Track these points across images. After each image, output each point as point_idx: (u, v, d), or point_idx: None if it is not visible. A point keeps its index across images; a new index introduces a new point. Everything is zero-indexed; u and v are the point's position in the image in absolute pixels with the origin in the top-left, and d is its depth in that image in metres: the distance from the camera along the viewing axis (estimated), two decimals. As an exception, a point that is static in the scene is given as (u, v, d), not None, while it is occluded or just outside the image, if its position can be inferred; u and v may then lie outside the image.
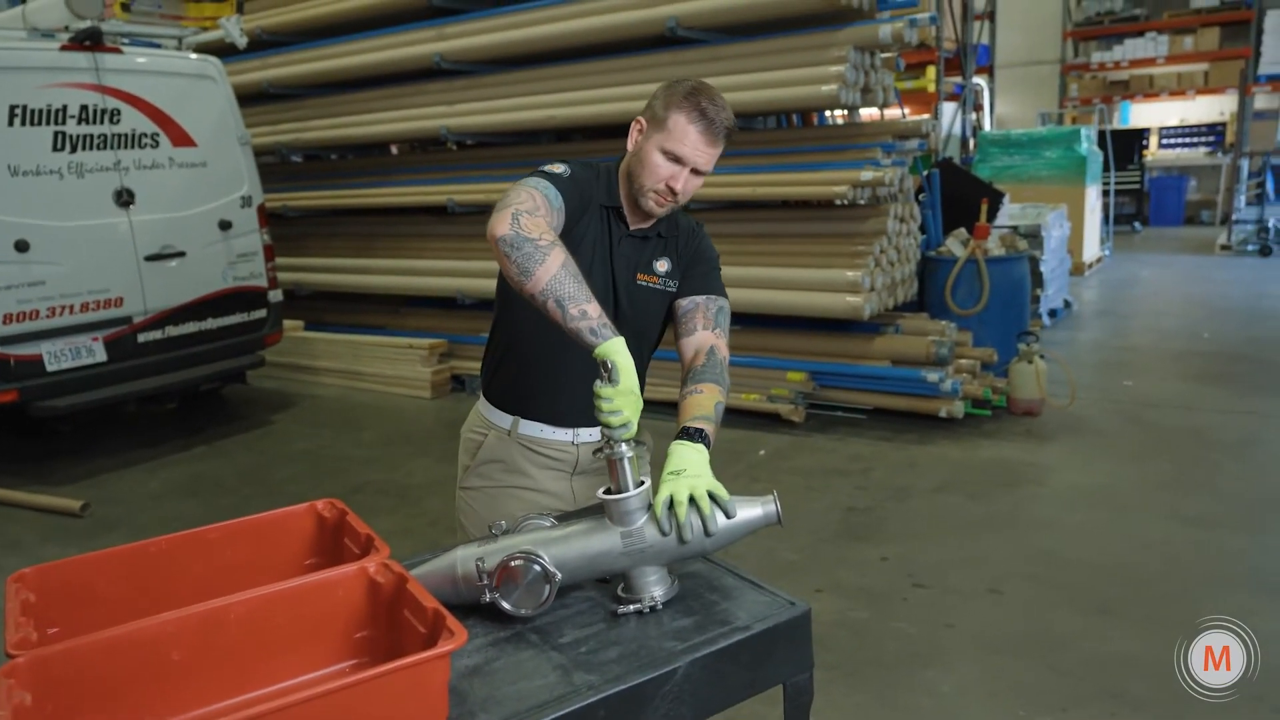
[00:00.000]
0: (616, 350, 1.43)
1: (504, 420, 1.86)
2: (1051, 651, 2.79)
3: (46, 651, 1.13)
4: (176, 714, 1.19)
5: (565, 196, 1.64)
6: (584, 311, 1.44)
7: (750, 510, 1.45)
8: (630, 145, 1.72)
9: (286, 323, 6.05)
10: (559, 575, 1.40)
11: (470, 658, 1.33)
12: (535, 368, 1.83)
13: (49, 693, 1.10)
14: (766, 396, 5.03)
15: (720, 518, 1.42)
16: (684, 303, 1.82)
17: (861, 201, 4.73)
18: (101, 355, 4.87)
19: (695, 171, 1.67)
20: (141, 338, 5.03)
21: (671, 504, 1.42)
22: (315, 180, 7.34)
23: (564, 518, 1.60)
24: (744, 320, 5.20)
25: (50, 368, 4.67)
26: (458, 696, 1.22)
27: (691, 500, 1.43)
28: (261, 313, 5.63)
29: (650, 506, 1.44)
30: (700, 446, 1.53)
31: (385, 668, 1.05)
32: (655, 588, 1.45)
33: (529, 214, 1.50)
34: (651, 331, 1.86)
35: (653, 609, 1.44)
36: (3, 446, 5.26)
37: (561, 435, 1.85)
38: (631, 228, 1.78)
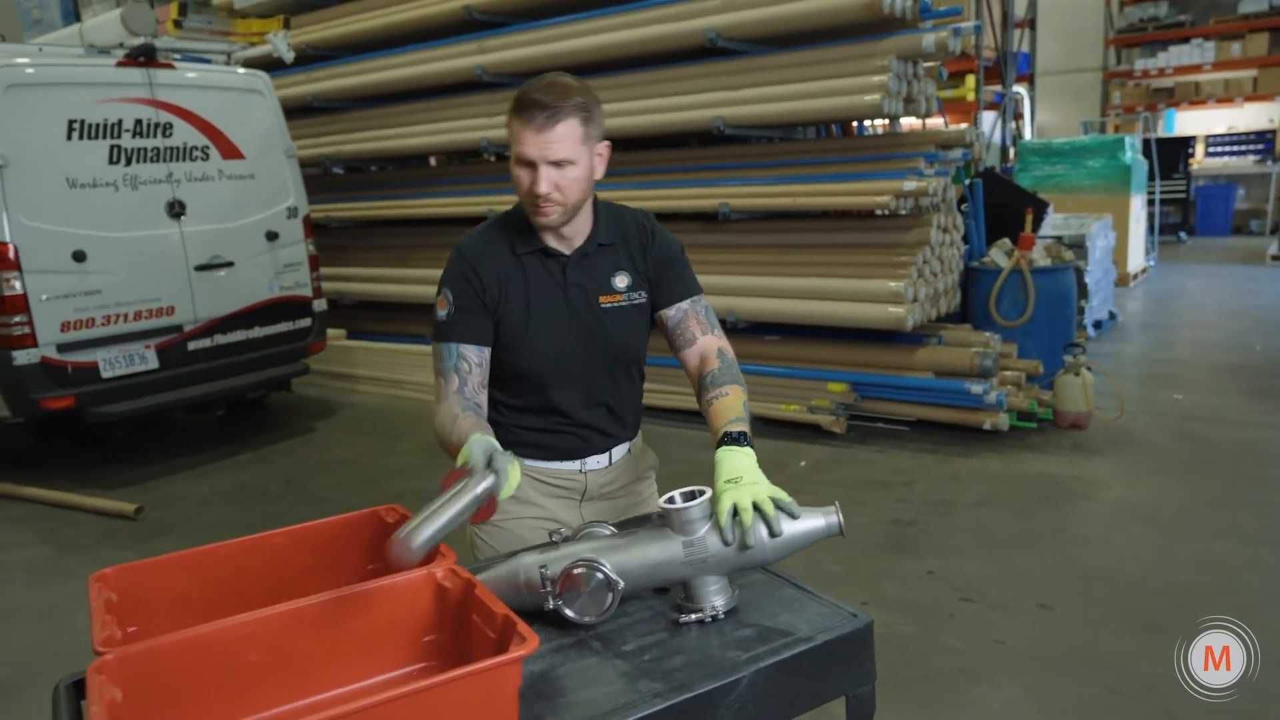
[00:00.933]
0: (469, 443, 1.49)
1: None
2: (1105, 670, 2.74)
3: (132, 649, 1.16)
4: (253, 713, 1.22)
5: (461, 332, 1.68)
6: (459, 438, 1.53)
7: (813, 521, 1.45)
8: None
9: (329, 331, 6.14)
10: (621, 583, 1.41)
11: (535, 664, 1.34)
12: (532, 420, 1.80)
13: (135, 689, 1.13)
14: (807, 407, 5.01)
15: (785, 522, 1.42)
16: (670, 313, 1.79)
17: (903, 212, 4.71)
18: (153, 363, 4.98)
19: (556, 165, 1.59)
20: (191, 346, 5.14)
21: (735, 512, 1.43)
22: (357, 192, 7.45)
23: (623, 526, 1.61)
24: (784, 331, 5.19)
25: (105, 374, 4.79)
26: (525, 702, 1.23)
27: (754, 507, 1.43)
28: (306, 321, 5.72)
29: (712, 516, 1.45)
30: (747, 449, 1.54)
31: (463, 670, 1.07)
32: (716, 597, 1.45)
33: (438, 402, 1.68)
34: (634, 348, 1.82)
35: (714, 618, 1.44)
36: (58, 451, 5.39)
37: (569, 466, 1.84)
38: (569, 253, 1.72)
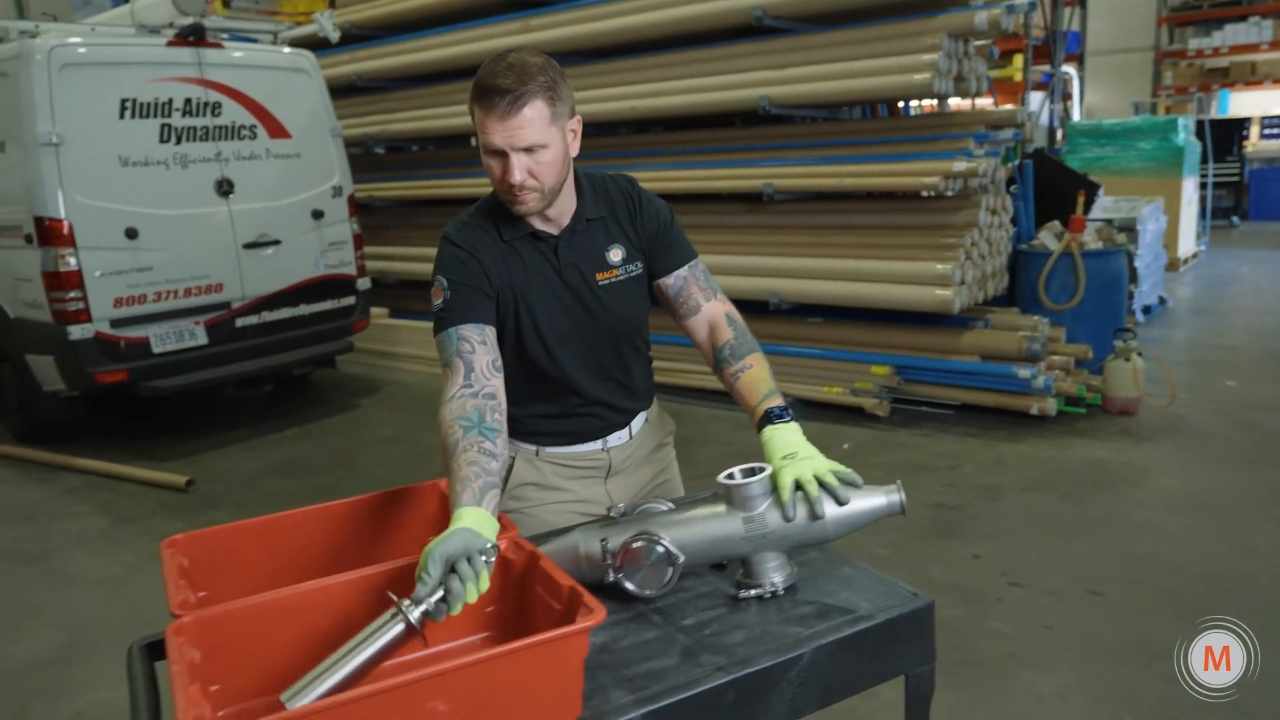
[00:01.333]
0: (456, 520, 1.27)
1: (528, 447, 1.78)
2: (1158, 658, 2.70)
3: (209, 613, 1.18)
4: (323, 679, 1.24)
5: (461, 316, 1.56)
6: (453, 492, 1.34)
7: (874, 499, 1.44)
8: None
9: (372, 310, 6.20)
10: (682, 557, 1.41)
11: (596, 635, 1.34)
12: (546, 408, 1.75)
13: (212, 651, 1.15)
14: (850, 390, 4.97)
15: (849, 493, 1.41)
16: (670, 281, 1.72)
17: (949, 193, 4.63)
18: (203, 339, 5.06)
19: (527, 151, 1.49)
20: (239, 322, 5.22)
21: (798, 486, 1.42)
22: (399, 171, 7.50)
23: (680, 503, 1.61)
24: (827, 312, 5.15)
25: (156, 350, 4.88)
26: (589, 672, 1.24)
27: (816, 480, 1.42)
28: (351, 300, 5.78)
29: (773, 492, 1.44)
30: (793, 425, 1.52)
31: (536, 639, 1.08)
32: (775, 574, 1.45)
33: (443, 403, 1.50)
34: (636, 321, 1.76)
35: (773, 595, 1.44)
36: (111, 425, 5.50)
37: (592, 447, 1.79)
38: (557, 233, 1.64)
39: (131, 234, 4.73)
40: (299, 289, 5.47)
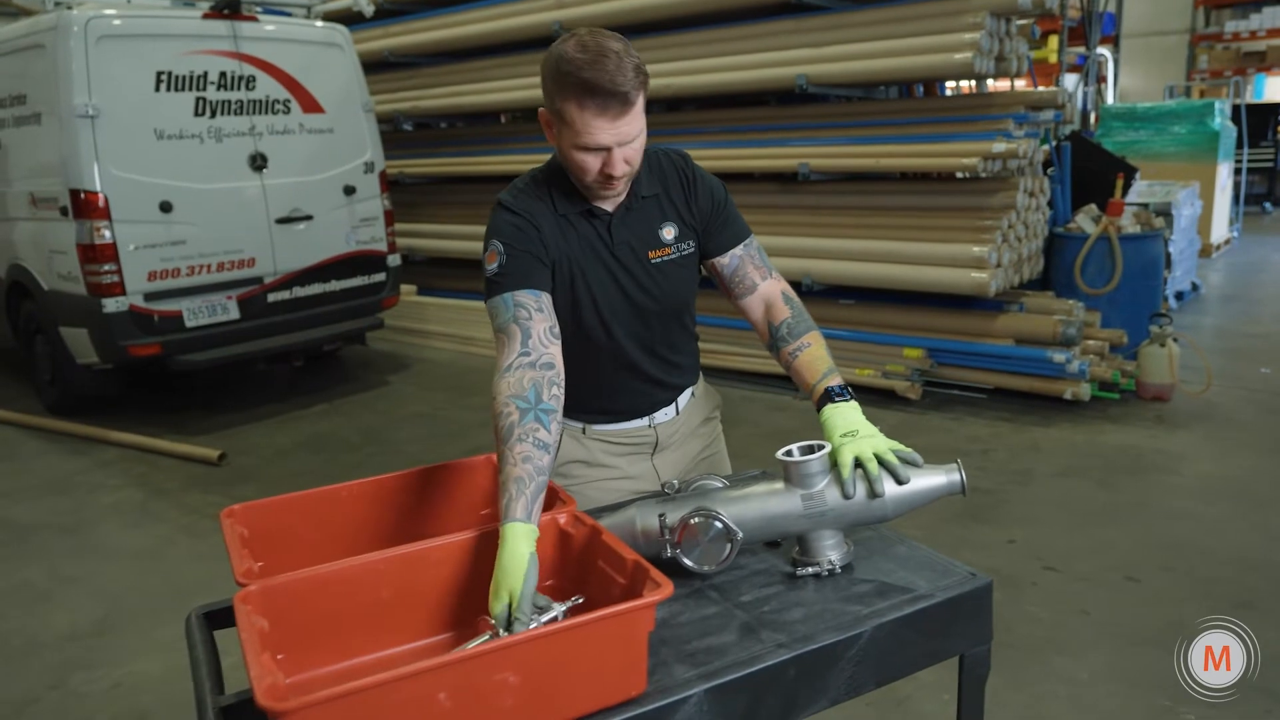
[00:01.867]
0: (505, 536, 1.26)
1: (574, 424, 1.77)
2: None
3: (273, 582, 1.19)
4: (384, 648, 1.25)
5: (516, 282, 1.51)
6: (505, 491, 1.31)
7: (934, 478, 1.43)
8: (550, 142, 1.53)
9: (401, 287, 6.21)
10: (740, 534, 1.40)
11: (657, 611, 1.35)
12: (594, 385, 1.72)
13: (277, 619, 1.16)
14: (881, 372, 4.95)
15: (909, 472, 1.40)
16: (725, 261, 1.70)
17: (983, 175, 4.56)
18: (235, 313, 5.09)
19: (627, 143, 1.47)
20: (271, 298, 5.24)
21: (858, 464, 1.41)
22: (429, 148, 7.49)
23: (735, 480, 1.61)
24: (860, 294, 5.12)
25: (189, 324, 4.91)
26: (650, 647, 1.24)
27: (876, 458, 1.41)
28: (381, 276, 5.80)
29: (832, 469, 1.43)
30: (853, 404, 1.51)
31: (606, 611, 1.07)
32: (832, 552, 1.44)
33: (497, 374, 1.45)
34: (686, 298, 1.74)
35: (830, 573, 1.43)
36: (143, 399, 5.56)
37: (639, 424, 1.78)
38: (612, 209, 1.61)
39: (166, 207, 4.76)
40: (330, 264, 5.49)
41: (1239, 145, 9.79)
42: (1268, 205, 12.32)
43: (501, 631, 1.17)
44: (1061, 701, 2.47)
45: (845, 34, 4.79)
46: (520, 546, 1.23)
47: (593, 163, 1.47)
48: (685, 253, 1.68)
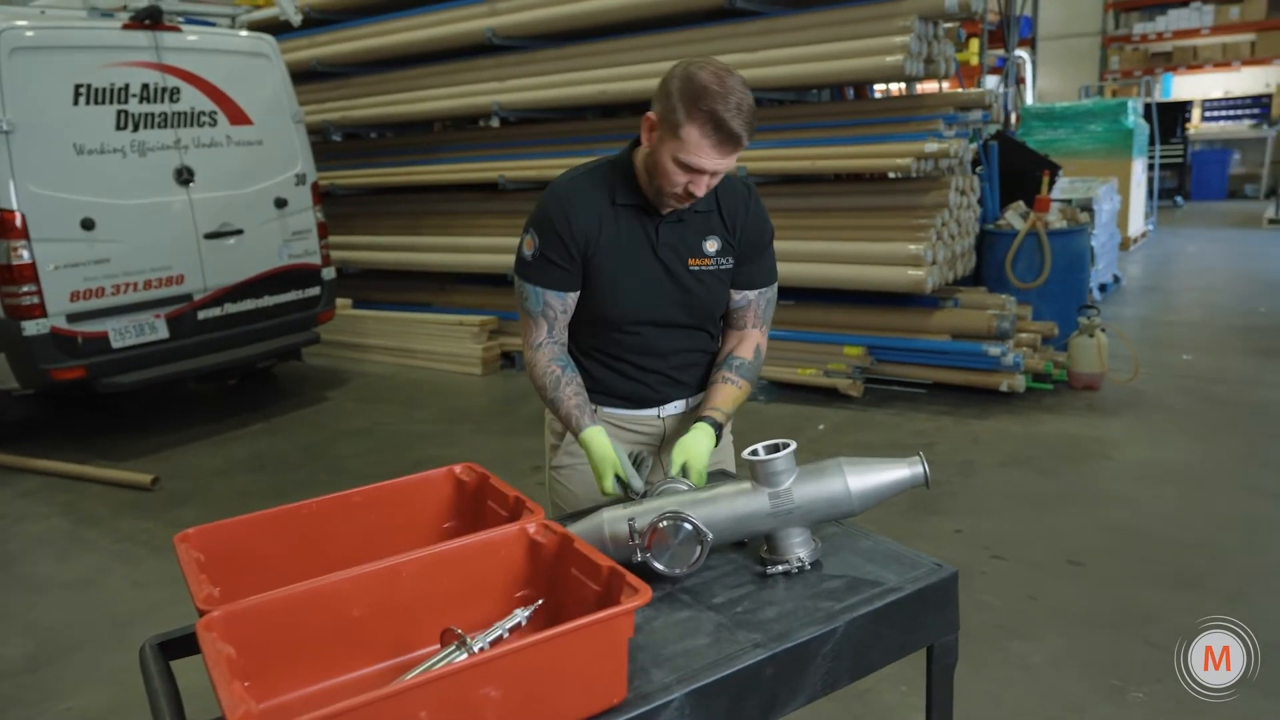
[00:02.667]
0: (587, 441, 1.68)
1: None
2: (1141, 624, 2.77)
3: (238, 606, 1.14)
4: (356, 668, 1.22)
5: (547, 277, 1.70)
6: (564, 414, 1.73)
7: (898, 471, 1.46)
8: (644, 142, 1.62)
9: (337, 300, 6.09)
10: (710, 535, 1.40)
11: (629, 617, 1.34)
12: (605, 368, 1.83)
13: (243, 645, 1.12)
14: (823, 371, 5.01)
15: (872, 472, 1.46)
16: (737, 297, 1.83)
17: (915, 174, 4.65)
18: (164, 332, 4.93)
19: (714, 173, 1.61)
20: (201, 315, 5.09)
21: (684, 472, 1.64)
22: (360, 159, 7.36)
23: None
24: (800, 295, 5.17)
25: (115, 344, 4.74)
26: (628, 654, 1.23)
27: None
28: (316, 290, 5.68)
29: (799, 468, 1.44)
30: (712, 434, 1.71)
31: (584, 621, 1.06)
32: (800, 549, 1.45)
33: (529, 347, 1.78)
34: (715, 308, 1.84)
35: (800, 570, 1.44)
36: (69, 423, 5.35)
37: (647, 412, 1.87)
38: (665, 212, 1.71)
39: (88, 225, 4.58)
40: (262, 279, 5.35)
41: (1151, 142, 10.18)
42: (1179, 199, 12.83)
43: (631, 493, 1.62)
44: (1018, 686, 2.53)
45: (778, 38, 4.84)
46: (603, 439, 1.67)
47: (683, 179, 1.60)
48: (723, 267, 1.79)
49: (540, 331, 1.74)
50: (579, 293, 1.74)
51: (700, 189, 1.61)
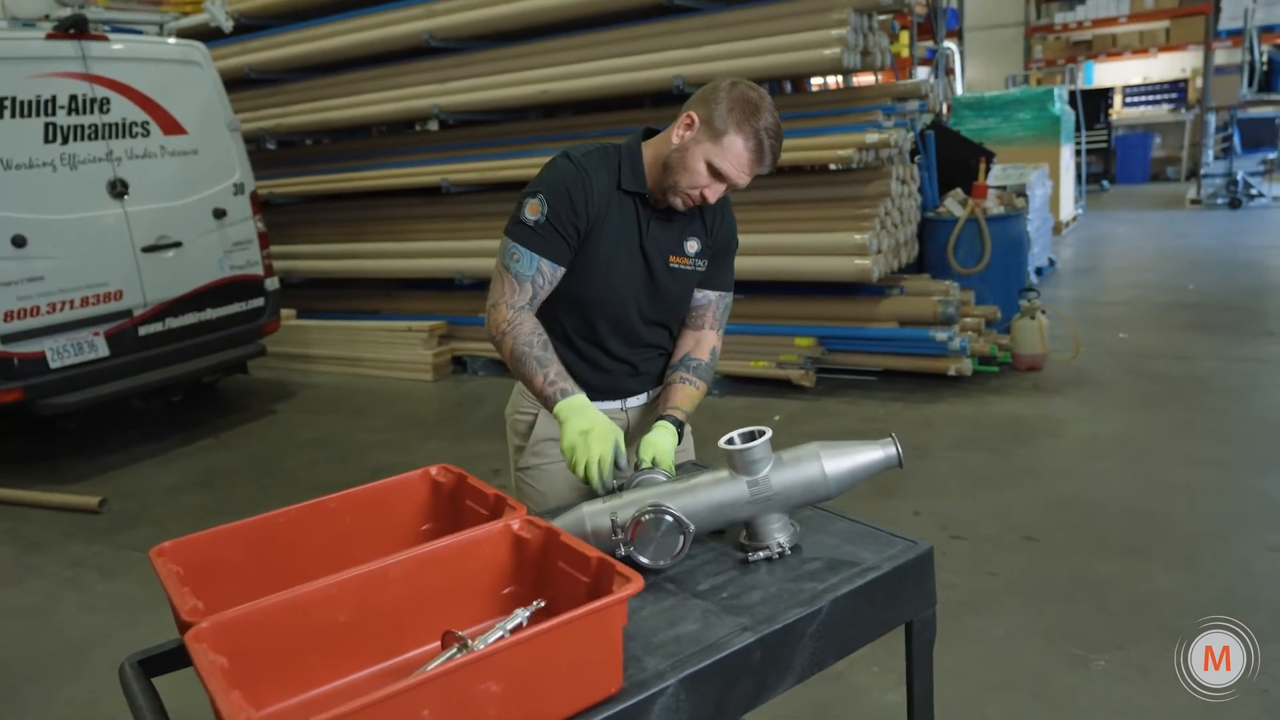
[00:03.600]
0: (562, 410, 1.65)
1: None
2: (1096, 593, 2.86)
3: (226, 616, 1.13)
4: (346, 673, 1.20)
5: (545, 245, 1.69)
6: (545, 377, 1.68)
7: (871, 453, 1.49)
8: (675, 138, 1.67)
9: (281, 311, 5.98)
10: (693, 526, 1.42)
11: (616, 608, 1.35)
12: (573, 354, 1.85)
13: (232, 655, 1.10)
14: (775, 363, 5.07)
15: (845, 456, 1.49)
16: (699, 296, 1.88)
17: (857, 165, 4.73)
18: (104, 350, 4.79)
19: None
20: (142, 331, 4.96)
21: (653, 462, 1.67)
22: (297, 166, 7.23)
23: (679, 472, 1.63)
24: (749, 288, 5.22)
25: (54, 364, 4.59)
26: (620, 644, 1.24)
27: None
28: (259, 301, 5.57)
29: (774, 455, 1.47)
30: (674, 430, 1.75)
31: (581, 611, 1.07)
32: (780, 534, 1.48)
33: (492, 307, 1.73)
34: (684, 306, 1.90)
35: (780, 554, 1.46)
36: (9, 446, 5.17)
37: (611, 404, 1.89)
38: (659, 208, 1.77)
39: (19, 242, 4.43)
40: (204, 292, 5.23)
41: (1077, 128, 10.50)
42: (1105, 183, 13.25)
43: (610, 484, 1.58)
44: (984, 660, 2.59)
45: (719, 34, 4.89)
46: (594, 416, 1.64)
47: (705, 181, 1.66)
48: (698, 268, 1.84)
49: (523, 295, 1.71)
50: (570, 261, 1.73)
51: (713, 196, 1.68)
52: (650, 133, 1.81)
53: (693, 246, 1.81)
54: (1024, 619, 2.77)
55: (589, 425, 1.61)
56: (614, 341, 1.83)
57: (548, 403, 1.67)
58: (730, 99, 1.62)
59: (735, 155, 1.62)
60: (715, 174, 1.65)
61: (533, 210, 1.68)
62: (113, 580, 3.56)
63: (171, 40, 5.31)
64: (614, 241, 1.73)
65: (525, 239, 1.69)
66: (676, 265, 1.80)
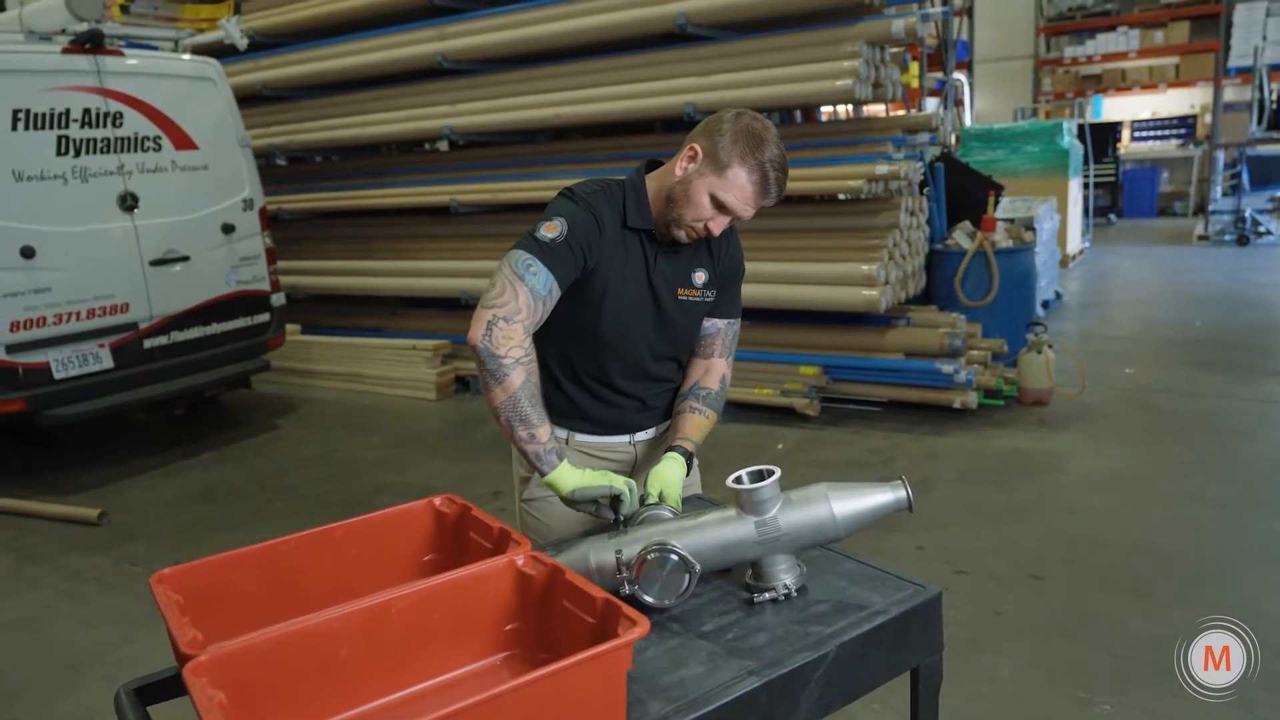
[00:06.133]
0: (557, 481, 1.60)
1: (560, 432, 1.83)
2: (1102, 634, 2.83)
3: (225, 649, 1.11)
4: (347, 709, 1.19)
5: (560, 267, 1.62)
6: (532, 436, 1.59)
7: (881, 495, 1.47)
8: (678, 170, 1.66)
9: (286, 326, 5.98)
10: (699, 566, 1.40)
11: (620, 647, 1.33)
12: (580, 390, 1.84)
13: (231, 690, 1.08)
14: (780, 391, 5.05)
15: (854, 498, 1.46)
16: (707, 325, 1.87)
17: (865, 196, 4.74)
18: (108, 362, 4.79)
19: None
20: (148, 344, 4.96)
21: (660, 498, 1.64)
22: (307, 183, 7.26)
23: (686, 509, 1.61)
24: (755, 316, 5.21)
25: (58, 375, 4.59)
26: (623, 686, 1.23)
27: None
28: (265, 316, 5.57)
29: (783, 495, 1.45)
30: (683, 465, 1.73)
31: (585, 655, 1.05)
32: (786, 575, 1.46)
33: (505, 321, 1.56)
34: (693, 338, 1.89)
35: (786, 596, 1.45)
36: (11, 457, 5.16)
37: (618, 439, 1.89)
38: (665, 241, 1.75)
39: (28, 253, 4.44)
40: (210, 306, 5.23)
41: (1085, 162, 10.52)
42: (1113, 216, 13.26)
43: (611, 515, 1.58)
44: (987, 700, 2.56)
45: (731, 63, 4.91)
46: (573, 480, 1.59)
47: (709, 213, 1.65)
48: (707, 300, 1.83)
49: (535, 314, 1.59)
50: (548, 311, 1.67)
51: (718, 228, 1.67)
52: (653, 164, 1.79)
53: (700, 278, 1.80)
54: (1029, 659, 2.74)
55: (584, 470, 1.62)
56: (623, 378, 1.81)
57: (536, 464, 1.62)
58: (734, 131, 1.61)
59: (739, 188, 1.61)
60: (719, 206, 1.64)
61: (551, 230, 1.62)
62: (110, 594, 3.54)
63: (186, 56, 5.34)
64: (621, 279, 1.72)
65: (542, 254, 1.60)
66: (685, 298, 1.79)
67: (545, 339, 1.73)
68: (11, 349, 4.45)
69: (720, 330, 1.89)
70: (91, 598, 3.53)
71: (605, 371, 1.80)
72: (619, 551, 1.41)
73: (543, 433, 1.60)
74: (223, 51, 6.00)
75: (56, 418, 4.61)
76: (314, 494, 4.45)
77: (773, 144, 1.61)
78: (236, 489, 4.64)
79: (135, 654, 3.01)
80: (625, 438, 1.88)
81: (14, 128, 4.40)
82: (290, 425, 5.75)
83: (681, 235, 1.70)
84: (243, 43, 5.57)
